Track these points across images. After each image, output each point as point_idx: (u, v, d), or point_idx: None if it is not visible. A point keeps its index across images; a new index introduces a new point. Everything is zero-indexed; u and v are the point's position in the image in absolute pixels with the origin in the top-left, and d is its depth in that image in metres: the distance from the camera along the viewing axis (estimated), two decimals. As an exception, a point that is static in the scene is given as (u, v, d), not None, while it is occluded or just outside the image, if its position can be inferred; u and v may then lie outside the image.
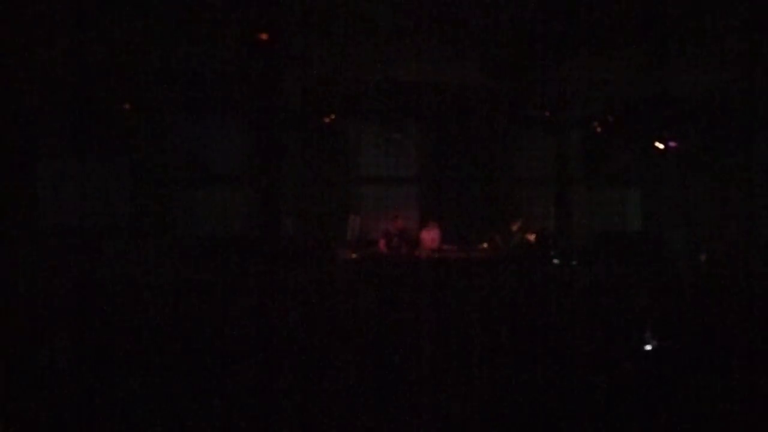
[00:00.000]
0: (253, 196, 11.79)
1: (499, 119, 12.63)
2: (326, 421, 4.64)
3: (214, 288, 8.34)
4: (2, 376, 5.25)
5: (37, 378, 5.35)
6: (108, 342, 6.18)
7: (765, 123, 12.32)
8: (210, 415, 4.68)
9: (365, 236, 11.44)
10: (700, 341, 6.12)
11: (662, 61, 10.27)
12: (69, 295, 7.88)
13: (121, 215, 11.16)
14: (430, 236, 11.16)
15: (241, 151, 11.89)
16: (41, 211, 10.79)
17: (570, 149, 13.27)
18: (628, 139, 13.05)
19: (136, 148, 11.21)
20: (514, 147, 13.09)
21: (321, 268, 10.19)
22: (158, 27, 8.87)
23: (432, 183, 12.65)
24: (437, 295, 8.57)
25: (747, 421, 4.54)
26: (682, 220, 13.12)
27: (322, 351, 6.05)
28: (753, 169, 12.56)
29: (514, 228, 11.43)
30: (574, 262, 11.16)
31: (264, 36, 8.78)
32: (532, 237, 11.33)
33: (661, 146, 12.68)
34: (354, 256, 10.35)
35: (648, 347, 6.03)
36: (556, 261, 11.17)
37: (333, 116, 11.68)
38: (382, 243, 10.96)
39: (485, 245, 11.15)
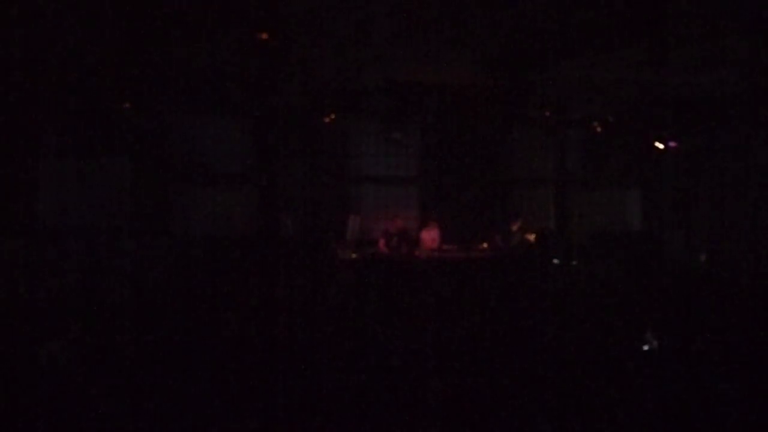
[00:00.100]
0: (253, 196, 11.78)
1: (499, 119, 12.63)
2: (326, 422, 4.63)
3: (214, 287, 8.34)
4: (2, 375, 5.25)
5: (38, 378, 5.35)
6: (108, 341, 6.18)
7: (765, 123, 12.31)
8: (209, 416, 4.67)
9: (365, 236, 11.43)
10: (699, 341, 6.12)
11: (662, 61, 10.26)
12: (69, 294, 7.89)
13: (120, 215, 11.16)
14: (430, 236, 11.16)
15: (241, 151, 11.89)
16: (41, 210, 10.80)
17: (570, 149, 13.26)
18: (628, 139, 13.05)
19: (136, 148, 11.21)
20: (514, 147, 13.08)
21: (320, 267, 10.19)
22: (159, 26, 8.86)
23: (432, 183, 12.64)
24: (437, 294, 8.57)
25: (747, 421, 4.54)
26: (682, 220, 13.11)
27: (321, 350, 6.05)
28: (753, 168, 12.56)
29: (514, 228, 11.43)
30: (574, 262, 11.16)
31: (264, 36, 8.77)
32: (532, 237, 11.33)
33: (661, 146, 12.68)
34: (354, 255, 10.34)
35: (647, 347, 6.03)
36: (556, 261, 11.17)
37: (333, 116, 11.68)
38: (381, 243, 10.96)
39: (485, 245, 11.15)
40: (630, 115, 12.57)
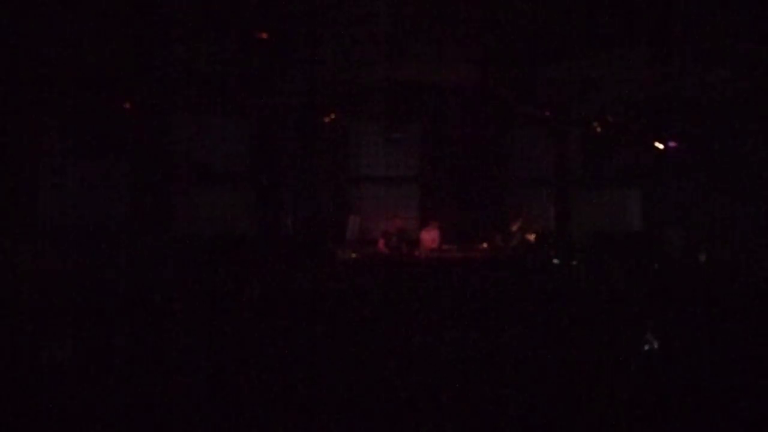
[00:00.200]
0: (253, 196, 11.79)
1: (499, 119, 12.63)
2: (326, 422, 4.64)
3: (214, 287, 8.34)
4: (2, 375, 5.25)
5: (38, 378, 5.35)
6: (108, 341, 6.18)
7: (765, 123, 12.31)
8: (208, 416, 4.68)
9: (365, 236, 11.43)
10: (699, 341, 6.12)
11: (662, 61, 10.27)
12: (68, 294, 7.88)
13: (120, 215, 11.16)
14: (430, 236, 11.16)
15: (241, 151, 11.89)
16: (42, 210, 10.80)
17: (570, 149, 13.26)
18: (628, 139, 13.04)
19: (136, 148, 11.21)
20: (514, 147, 13.09)
21: (320, 267, 10.18)
22: (159, 26, 8.87)
23: (432, 183, 12.65)
24: (437, 294, 8.57)
25: (747, 421, 4.54)
26: (682, 220, 13.11)
27: (321, 350, 6.05)
28: (753, 168, 12.56)
29: (514, 228, 11.43)
30: (574, 262, 11.15)
31: (264, 35, 8.78)
32: (532, 237, 11.33)
33: (661, 146, 12.68)
34: (354, 255, 10.35)
35: (647, 347, 6.03)
36: (556, 261, 11.16)
37: (333, 115, 11.68)
38: (381, 243, 10.97)
39: (485, 245, 11.15)
40: (630, 115, 12.57)
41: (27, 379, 5.28)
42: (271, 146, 11.64)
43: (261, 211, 11.68)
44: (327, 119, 11.70)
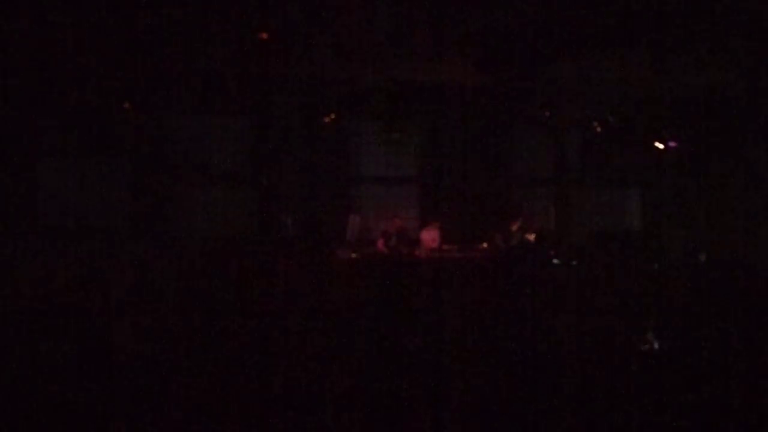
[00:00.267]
0: (253, 196, 11.79)
1: (499, 119, 12.63)
2: (326, 422, 4.63)
3: (213, 287, 8.34)
4: (2, 375, 5.25)
5: (37, 378, 5.35)
6: (107, 342, 6.18)
7: (765, 123, 12.32)
8: (208, 416, 4.67)
9: (365, 236, 11.43)
10: (699, 341, 6.12)
11: (662, 60, 10.27)
12: (68, 294, 7.88)
13: (120, 215, 11.16)
14: (430, 236, 11.15)
15: (241, 151, 11.89)
16: (41, 210, 10.79)
17: (570, 149, 13.26)
18: (628, 139, 13.04)
19: (136, 148, 11.21)
20: (514, 147, 13.08)
21: (320, 267, 10.19)
22: (159, 26, 8.87)
23: (432, 183, 12.64)
24: (437, 294, 8.57)
25: (747, 420, 4.54)
26: (682, 220, 13.11)
27: (321, 350, 6.05)
28: (753, 168, 12.56)
29: (514, 228, 11.42)
30: (574, 262, 11.15)
31: (264, 35, 8.78)
32: (532, 237, 11.32)
33: (661, 146, 12.68)
34: (353, 255, 10.34)
35: (647, 347, 6.03)
36: (555, 261, 11.16)
37: (333, 115, 11.68)
38: (380, 243, 10.96)
39: (485, 245, 11.14)
40: (630, 115, 12.57)
41: (27, 379, 5.28)
42: (271, 146, 11.63)
43: (261, 211, 11.67)
44: (327, 119, 11.70)
